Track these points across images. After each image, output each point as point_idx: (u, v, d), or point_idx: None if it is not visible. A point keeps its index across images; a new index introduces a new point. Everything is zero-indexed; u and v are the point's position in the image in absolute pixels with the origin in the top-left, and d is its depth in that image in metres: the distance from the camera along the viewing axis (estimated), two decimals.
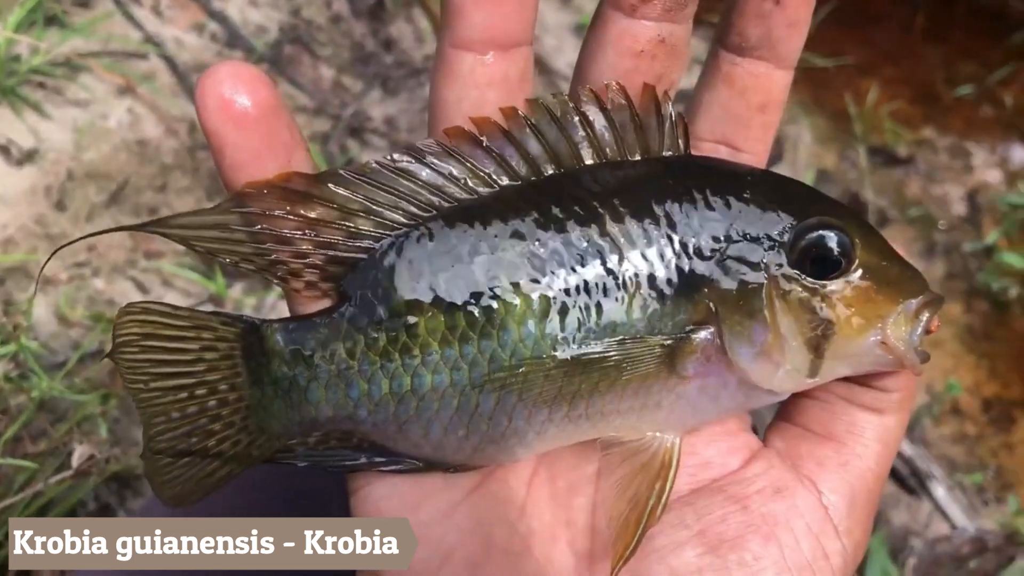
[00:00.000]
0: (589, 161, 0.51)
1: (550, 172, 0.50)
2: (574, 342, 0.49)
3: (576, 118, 0.50)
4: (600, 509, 0.54)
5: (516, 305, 0.49)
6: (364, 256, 0.49)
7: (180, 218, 0.48)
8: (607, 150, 0.51)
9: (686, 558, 0.51)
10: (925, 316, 0.50)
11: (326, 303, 0.51)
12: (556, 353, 0.49)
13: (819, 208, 0.51)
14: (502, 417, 0.50)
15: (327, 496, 0.81)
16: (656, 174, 0.51)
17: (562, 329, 0.49)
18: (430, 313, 0.49)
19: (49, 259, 0.54)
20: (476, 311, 0.49)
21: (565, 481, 0.55)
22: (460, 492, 0.53)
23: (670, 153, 0.51)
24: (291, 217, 0.48)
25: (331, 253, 0.49)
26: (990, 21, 2.42)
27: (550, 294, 0.49)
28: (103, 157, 1.69)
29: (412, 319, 0.49)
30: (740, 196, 0.50)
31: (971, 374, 1.89)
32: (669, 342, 0.49)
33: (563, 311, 0.49)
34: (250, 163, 0.47)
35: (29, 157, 1.63)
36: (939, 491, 1.66)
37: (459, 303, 0.49)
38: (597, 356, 0.49)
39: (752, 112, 0.55)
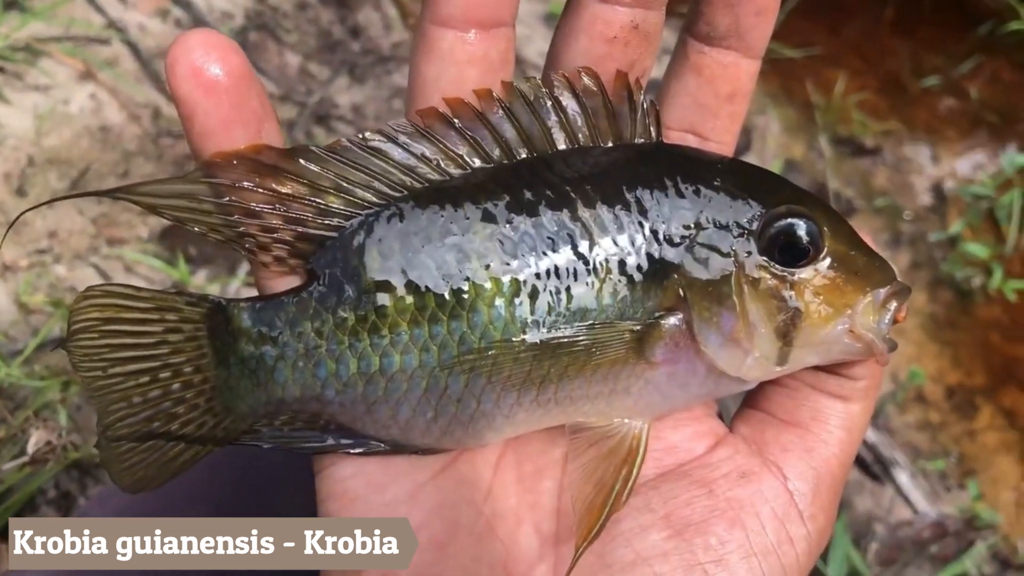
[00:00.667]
0: (562, 146, 0.51)
1: (523, 156, 0.50)
2: (544, 326, 0.49)
3: (549, 103, 0.50)
4: (566, 492, 0.54)
5: (487, 287, 0.49)
6: (334, 234, 0.49)
7: (148, 185, 0.47)
8: (580, 136, 0.51)
9: (652, 541, 0.51)
10: (893, 305, 0.50)
11: (294, 282, 0.51)
12: (526, 336, 0.49)
13: (789, 196, 0.51)
14: (471, 400, 0.50)
15: (279, 479, 0.81)
16: (628, 161, 0.51)
17: (532, 312, 0.49)
18: (400, 293, 0.49)
19: (9, 229, 0.53)
20: (446, 292, 0.49)
21: (532, 465, 0.55)
22: (426, 473, 0.52)
23: (642, 140, 0.52)
24: (260, 190, 0.47)
25: (300, 229, 0.49)
26: (957, 14, 2.44)
27: (521, 277, 0.49)
28: (64, 143, 1.67)
29: (382, 299, 0.49)
30: (710, 184, 0.51)
31: (934, 362, 1.91)
32: (638, 327, 0.49)
33: (533, 294, 0.49)
34: (219, 131, 0.47)
35: None
36: (902, 477, 1.68)
37: (430, 284, 0.49)
38: (566, 340, 0.49)
39: (720, 101, 0.55)
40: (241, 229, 0.48)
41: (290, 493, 0.80)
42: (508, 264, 0.49)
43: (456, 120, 0.49)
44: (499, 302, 0.49)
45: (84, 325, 0.49)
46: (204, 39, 0.46)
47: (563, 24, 0.52)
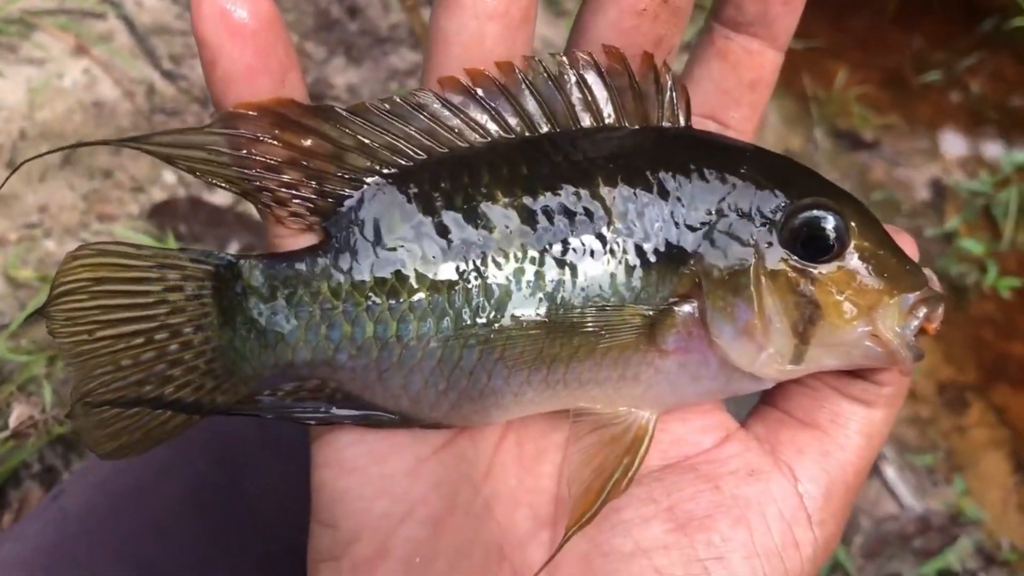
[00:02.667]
0: (587, 124, 0.50)
1: (545, 131, 0.49)
2: (558, 302, 0.48)
3: (574, 79, 0.49)
4: (564, 475, 0.53)
5: (506, 258, 0.48)
6: (354, 193, 0.48)
7: (166, 135, 0.46)
8: (605, 114, 0.50)
9: (653, 533, 0.50)
10: (921, 312, 0.48)
11: (308, 240, 0.49)
12: (539, 312, 0.48)
13: (816, 189, 0.50)
14: (482, 374, 0.49)
15: (252, 457, 0.81)
16: (653, 142, 0.50)
17: (547, 288, 0.48)
18: (420, 257, 0.48)
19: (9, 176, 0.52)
20: (466, 260, 0.48)
21: (533, 447, 0.54)
22: (428, 448, 0.51)
23: (669, 124, 0.50)
24: (282, 144, 0.47)
25: (321, 186, 0.48)
26: (960, 9, 2.43)
27: (538, 250, 0.48)
28: (57, 117, 1.66)
29: (402, 262, 0.48)
30: (736, 171, 0.49)
31: (927, 358, 1.89)
32: (650, 312, 0.48)
33: (550, 269, 0.48)
34: (242, 77, 0.46)
35: None
36: (889, 472, 1.68)
37: (449, 250, 0.48)
38: (576, 320, 0.48)
39: (743, 89, 0.54)
40: (259, 183, 0.47)
41: (262, 472, 0.80)
42: (526, 236, 0.48)
43: (478, 90, 0.48)
44: (517, 274, 0.48)
45: (71, 287, 0.48)
46: None
47: None
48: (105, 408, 0.48)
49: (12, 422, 1.18)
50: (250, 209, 1.66)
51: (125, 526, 0.77)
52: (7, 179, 0.51)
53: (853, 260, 0.49)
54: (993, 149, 2.24)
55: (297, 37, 1.92)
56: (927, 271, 0.51)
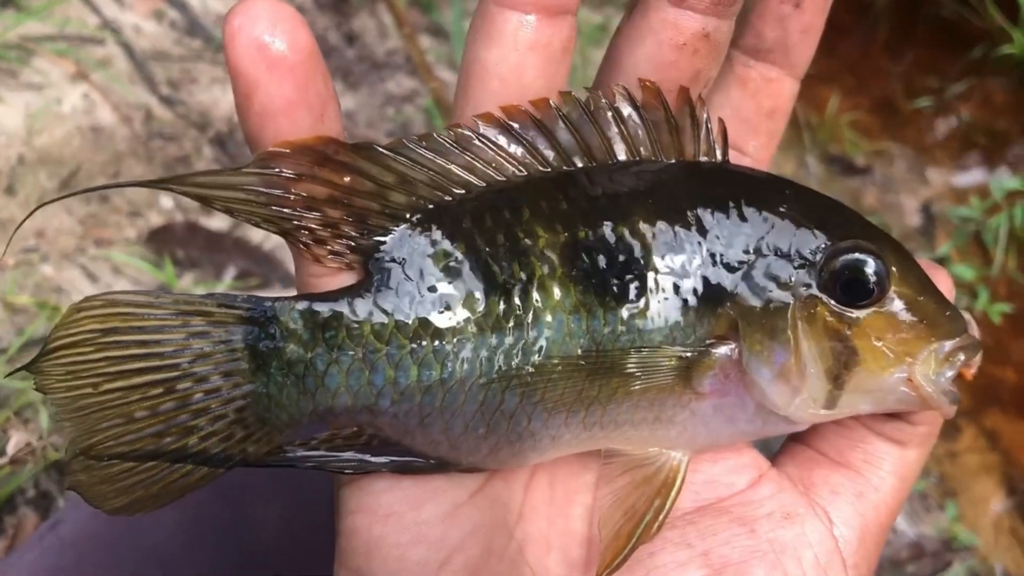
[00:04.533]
0: (622, 158, 0.49)
1: (580, 165, 0.49)
2: (597, 343, 0.47)
3: (609, 114, 0.48)
4: (595, 517, 0.52)
5: (549, 297, 0.47)
6: (396, 230, 0.47)
7: (202, 176, 0.45)
8: (641, 149, 0.49)
9: None
10: (960, 359, 0.48)
11: (343, 281, 0.48)
12: (580, 352, 0.47)
13: (858, 232, 0.49)
14: (523, 417, 0.47)
15: (255, 487, 0.81)
16: (691, 178, 0.49)
17: (587, 328, 0.47)
18: (463, 296, 0.47)
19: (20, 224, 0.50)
20: (510, 299, 0.47)
21: (563, 488, 0.53)
22: (464, 492, 0.50)
23: (706, 159, 0.50)
24: (324, 183, 0.45)
25: (362, 224, 0.46)
26: (950, 36, 2.45)
27: (579, 289, 0.47)
28: (55, 142, 1.67)
29: (445, 301, 0.47)
30: (775, 209, 0.48)
31: None
32: (687, 354, 0.47)
33: (591, 308, 0.47)
34: (281, 112, 0.44)
35: None
36: None
37: (493, 288, 0.47)
38: (614, 362, 0.47)
39: (761, 117, 0.54)
40: (299, 221, 0.46)
41: (264, 505, 0.80)
42: (569, 274, 0.47)
43: (514, 125, 0.47)
44: (560, 313, 0.47)
45: (73, 340, 0.46)
46: (271, 8, 0.42)
47: (628, 27, 0.49)
48: (112, 463, 0.46)
49: (10, 449, 1.18)
50: (248, 234, 1.66)
51: (123, 556, 0.77)
52: (29, 216, 0.50)
53: (892, 305, 0.48)
54: (983, 175, 2.26)
55: None
56: (965, 314, 0.50)
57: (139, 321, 0.46)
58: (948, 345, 0.47)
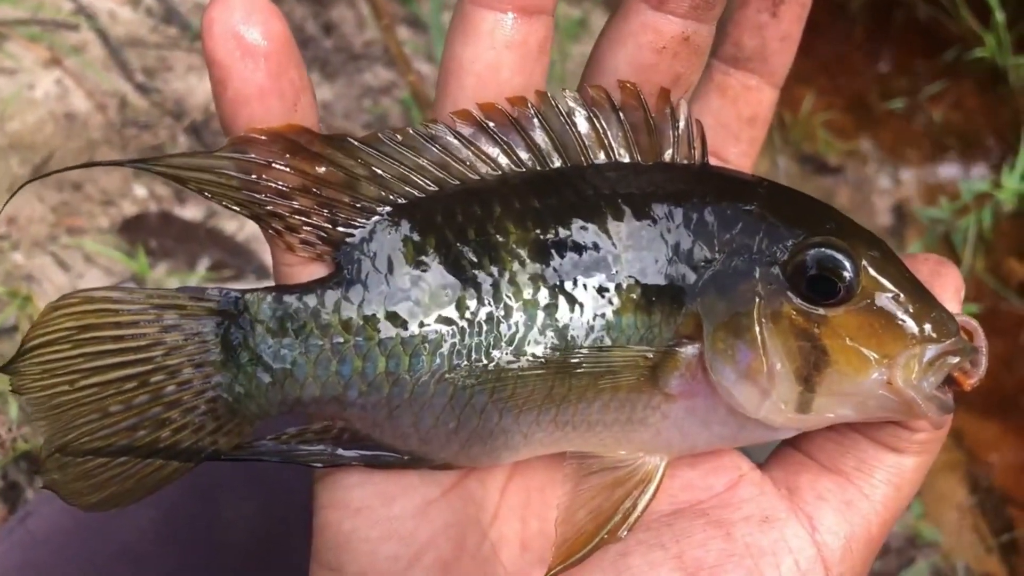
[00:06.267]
0: (600, 159, 0.49)
1: (556, 165, 0.49)
2: (567, 340, 0.47)
3: (586, 114, 0.49)
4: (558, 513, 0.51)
5: (519, 293, 0.47)
6: (366, 223, 0.47)
7: (176, 159, 0.45)
8: (619, 151, 0.49)
9: None
10: (948, 362, 0.46)
11: (317, 272, 0.49)
12: (549, 349, 0.47)
13: (831, 227, 0.48)
14: (493, 413, 0.48)
15: (228, 484, 0.81)
16: (665, 178, 0.49)
17: (557, 325, 0.47)
18: (434, 289, 0.47)
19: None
20: (479, 292, 0.47)
21: (540, 490, 0.53)
22: (437, 489, 0.50)
23: (685, 161, 0.49)
24: (294, 171, 0.46)
25: (333, 215, 0.47)
26: (924, 38, 2.48)
27: (548, 286, 0.47)
28: (28, 128, 1.65)
29: (415, 294, 0.47)
30: (746, 207, 0.48)
31: None
32: (651, 355, 0.47)
33: (560, 305, 0.47)
34: (254, 99, 0.45)
35: None
36: None
37: (463, 282, 0.47)
38: (577, 360, 0.47)
39: (742, 124, 0.55)
40: (270, 207, 0.46)
41: (237, 500, 0.80)
42: (538, 271, 0.47)
43: (490, 123, 0.48)
44: (530, 310, 0.47)
45: (49, 338, 0.46)
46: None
47: (610, 30, 0.50)
48: (87, 459, 0.46)
49: None
50: (221, 224, 1.65)
51: (95, 551, 0.77)
52: (7, 201, 0.51)
53: (865, 303, 0.46)
54: (953, 176, 2.29)
55: None
56: (968, 320, 0.48)
57: (114, 316, 0.46)
58: (933, 348, 0.46)
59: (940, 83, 2.36)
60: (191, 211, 1.66)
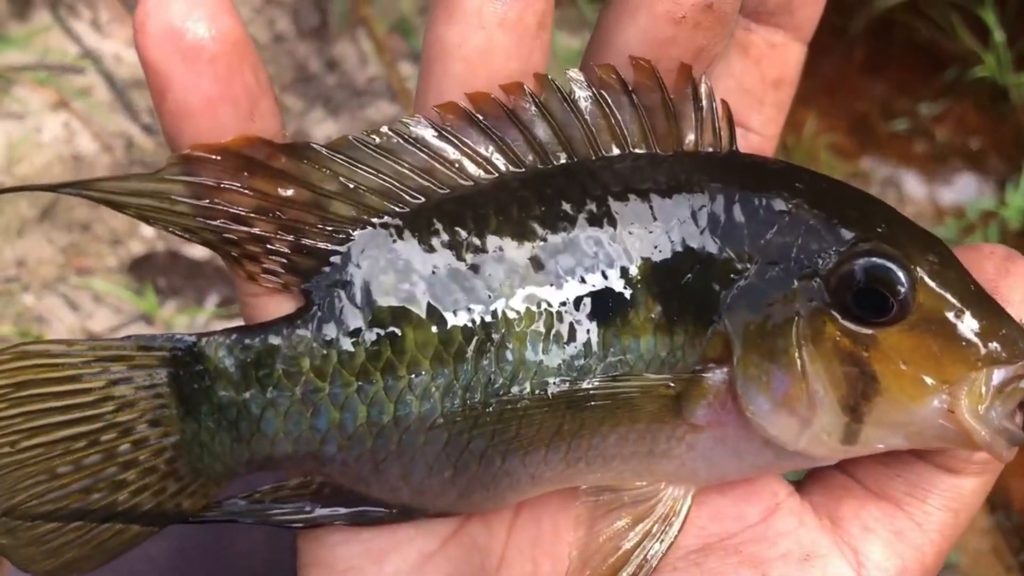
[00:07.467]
0: (613, 152, 0.42)
1: (560, 161, 0.42)
2: (577, 369, 0.41)
3: (594, 99, 0.42)
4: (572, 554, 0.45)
5: (519, 319, 0.41)
6: (339, 248, 0.41)
7: (111, 182, 0.39)
8: (633, 140, 0.42)
9: None
10: (1021, 388, 0.39)
11: (287, 303, 0.42)
12: (558, 382, 0.41)
13: (884, 232, 0.41)
14: (495, 457, 0.42)
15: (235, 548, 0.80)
16: (688, 172, 0.42)
17: (565, 354, 0.41)
18: (420, 323, 0.41)
19: None
20: (475, 323, 0.41)
21: (551, 524, 0.47)
22: (435, 540, 0.45)
23: (711, 148, 0.43)
24: (250, 192, 0.39)
25: (298, 240, 0.40)
26: (924, 59, 2.49)
27: (554, 308, 0.41)
28: (36, 171, 1.66)
29: (398, 330, 0.41)
30: (780, 205, 0.41)
31: None
32: (673, 383, 0.41)
33: (569, 331, 0.41)
34: (200, 110, 0.38)
35: None
36: None
37: (456, 312, 0.41)
38: (590, 393, 0.41)
39: (766, 87, 0.48)
40: (224, 234, 0.40)
41: (248, 531, 0.80)
42: (542, 292, 0.41)
43: (481, 117, 0.41)
44: (532, 338, 0.41)
45: None
46: None
47: (618, 1, 0.42)
48: (38, 523, 0.42)
49: None
50: None
51: None
52: None
53: (922, 321, 0.39)
54: (959, 196, 2.29)
55: (276, 90, 1.93)
56: None
57: (54, 372, 0.41)
58: (1002, 371, 0.39)
59: (942, 103, 2.37)
60: (199, 249, 1.67)
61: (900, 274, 0.39)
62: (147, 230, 1.68)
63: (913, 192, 2.31)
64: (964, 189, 2.30)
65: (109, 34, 1.87)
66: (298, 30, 2.03)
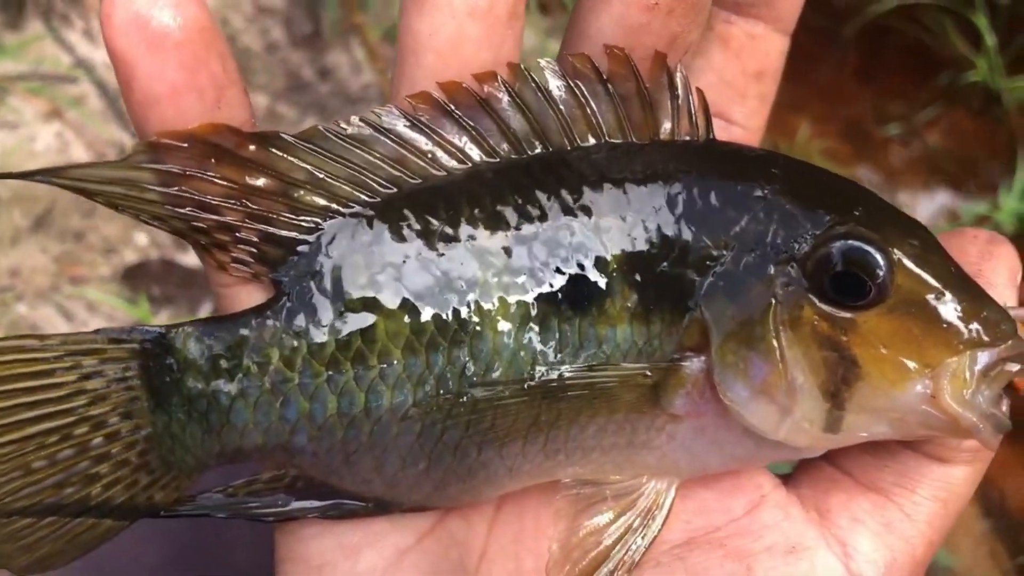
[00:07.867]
0: (588, 141, 0.42)
1: (535, 151, 0.42)
2: (553, 359, 0.41)
3: (568, 88, 0.42)
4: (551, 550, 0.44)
5: (493, 308, 0.41)
6: (309, 238, 0.41)
7: (80, 169, 0.39)
8: (608, 129, 0.42)
9: None
10: (1006, 372, 0.39)
11: (259, 292, 0.43)
12: (533, 372, 0.40)
13: (861, 215, 0.40)
14: (471, 448, 0.41)
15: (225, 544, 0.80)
16: (663, 161, 0.42)
17: (542, 342, 0.41)
18: (392, 313, 0.41)
19: None
20: (447, 313, 0.40)
21: (533, 519, 0.47)
22: (411, 535, 0.44)
23: (687, 137, 0.43)
24: (217, 180, 0.39)
25: (267, 229, 0.41)
26: (917, 64, 2.50)
27: (529, 298, 0.41)
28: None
29: (369, 319, 0.41)
30: (756, 191, 0.41)
31: None
32: (650, 372, 0.41)
33: (543, 320, 0.41)
34: (165, 98, 0.38)
35: None
36: None
37: (427, 301, 0.40)
38: (562, 384, 0.41)
39: (748, 80, 0.47)
40: (192, 223, 0.40)
41: (247, 527, 0.79)
42: (517, 282, 0.41)
43: (453, 107, 0.41)
44: (506, 327, 0.40)
45: None
46: None
47: None
48: (12, 519, 0.42)
49: None
50: None
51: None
52: None
53: (901, 303, 0.39)
54: (952, 200, 2.30)
55: (269, 98, 1.94)
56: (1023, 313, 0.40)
57: (26, 367, 0.41)
58: (985, 355, 0.38)
59: (935, 107, 2.37)
60: (192, 257, 1.67)
61: (877, 256, 0.39)
62: (140, 239, 1.68)
63: (907, 196, 2.31)
64: (957, 193, 2.31)
65: (102, 43, 1.87)
66: (291, 38, 2.03)
